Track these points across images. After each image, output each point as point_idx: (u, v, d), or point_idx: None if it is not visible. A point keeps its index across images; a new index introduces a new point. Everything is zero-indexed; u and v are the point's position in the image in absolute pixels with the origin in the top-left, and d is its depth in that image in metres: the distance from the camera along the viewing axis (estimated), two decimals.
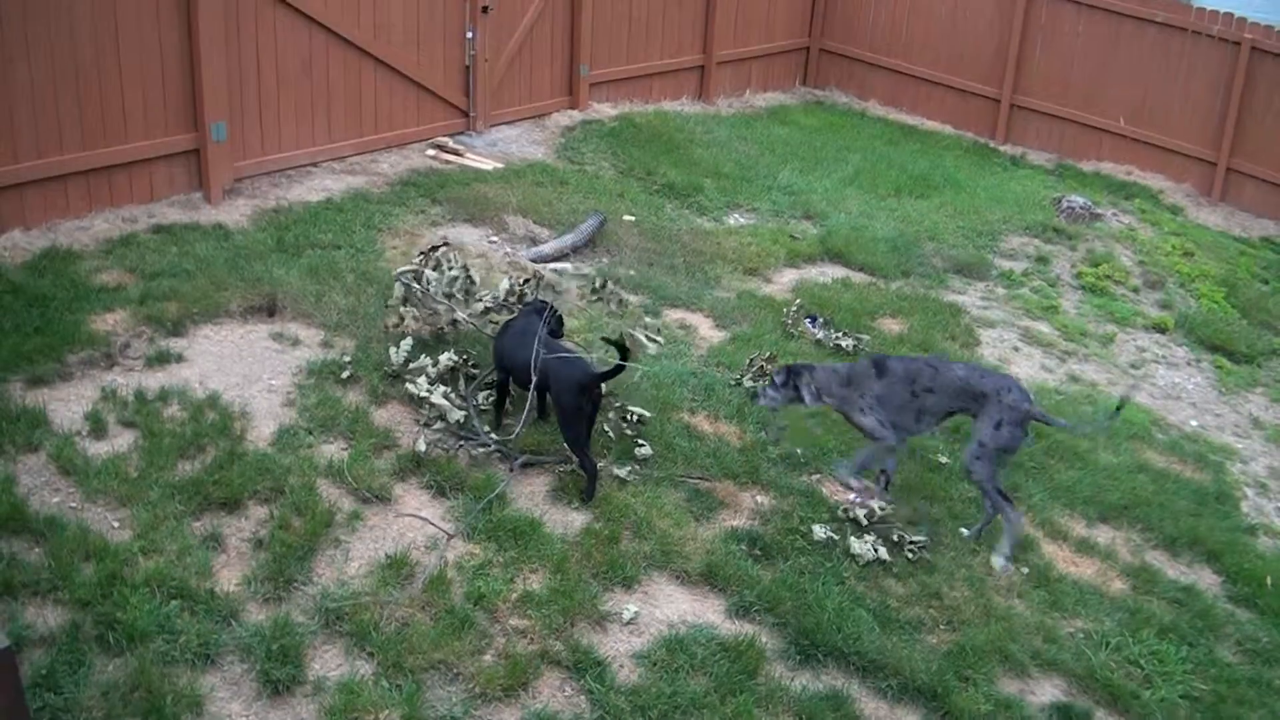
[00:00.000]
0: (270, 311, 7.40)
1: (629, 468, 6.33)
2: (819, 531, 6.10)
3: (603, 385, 6.16)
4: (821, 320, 8.50)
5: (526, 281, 7.05)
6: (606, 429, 6.52)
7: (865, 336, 8.40)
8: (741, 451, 6.69)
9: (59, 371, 6.41)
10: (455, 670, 4.90)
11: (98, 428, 5.99)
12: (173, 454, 5.84)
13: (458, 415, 6.25)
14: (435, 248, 7.11)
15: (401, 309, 7.01)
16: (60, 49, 7.77)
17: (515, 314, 6.64)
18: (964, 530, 6.45)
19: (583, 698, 4.92)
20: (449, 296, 6.95)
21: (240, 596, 5.10)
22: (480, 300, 6.98)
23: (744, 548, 5.96)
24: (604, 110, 12.23)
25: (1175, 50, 12.78)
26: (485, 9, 10.65)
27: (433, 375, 6.52)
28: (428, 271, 6.95)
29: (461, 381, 6.63)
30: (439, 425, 6.27)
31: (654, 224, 9.84)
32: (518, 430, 6.21)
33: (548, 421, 6.56)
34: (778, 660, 5.34)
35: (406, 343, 6.75)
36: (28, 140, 7.78)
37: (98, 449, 5.85)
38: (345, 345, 7.05)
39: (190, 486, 5.63)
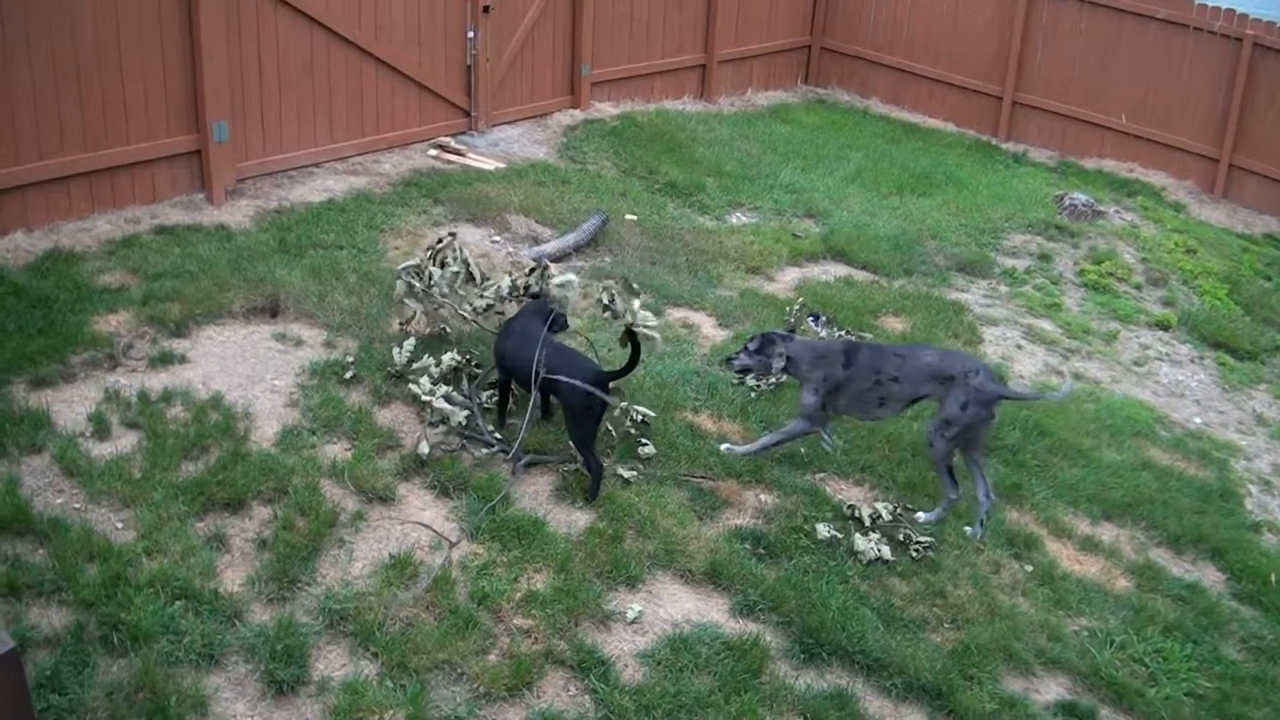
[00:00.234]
0: (273, 312, 7.40)
1: (633, 469, 6.32)
2: (823, 530, 6.10)
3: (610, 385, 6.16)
4: (824, 319, 8.50)
5: (531, 272, 7.03)
6: (609, 427, 6.51)
7: (868, 335, 8.39)
8: (746, 454, 6.68)
9: (62, 373, 6.41)
10: (459, 670, 4.91)
11: (101, 429, 5.99)
12: (176, 455, 5.84)
13: (460, 419, 6.24)
14: (441, 240, 7.09)
15: (405, 301, 6.98)
16: (62, 50, 7.77)
17: (517, 312, 6.60)
18: (966, 528, 6.45)
19: (587, 697, 4.92)
20: (451, 293, 6.94)
21: (244, 597, 5.10)
22: (483, 296, 6.97)
23: (748, 547, 5.96)
24: (606, 109, 12.22)
25: (1177, 47, 12.77)
26: (486, 8, 10.64)
27: (436, 375, 6.52)
28: (431, 267, 6.94)
29: (465, 381, 6.63)
30: (442, 428, 6.27)
31: (656, 223, 9.84)
32: (521, 434, 6.20)
33: (551, 421, 6.56)
34: (782, 659, 5.33)
35: (410, 343, 6.75)
36: (29, 141, 7.79)
37: (101, 450, 5.85)
38: (348, 345, 7.05)
39: (194, 487, 5.63)
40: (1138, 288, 10.58)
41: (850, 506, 6.31)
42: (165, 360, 6.69)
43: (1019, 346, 9.05)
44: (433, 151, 10.42)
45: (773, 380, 7.17)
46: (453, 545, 5.52)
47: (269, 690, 4.69)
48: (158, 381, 6.47)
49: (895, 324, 8.81)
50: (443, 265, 6.98)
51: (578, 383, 5.92)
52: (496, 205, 9.39)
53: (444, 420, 6.25)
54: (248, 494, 5.66)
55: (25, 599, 4.89)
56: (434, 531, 5.63)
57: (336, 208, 8.96)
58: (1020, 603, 6.03)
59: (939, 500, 6.52)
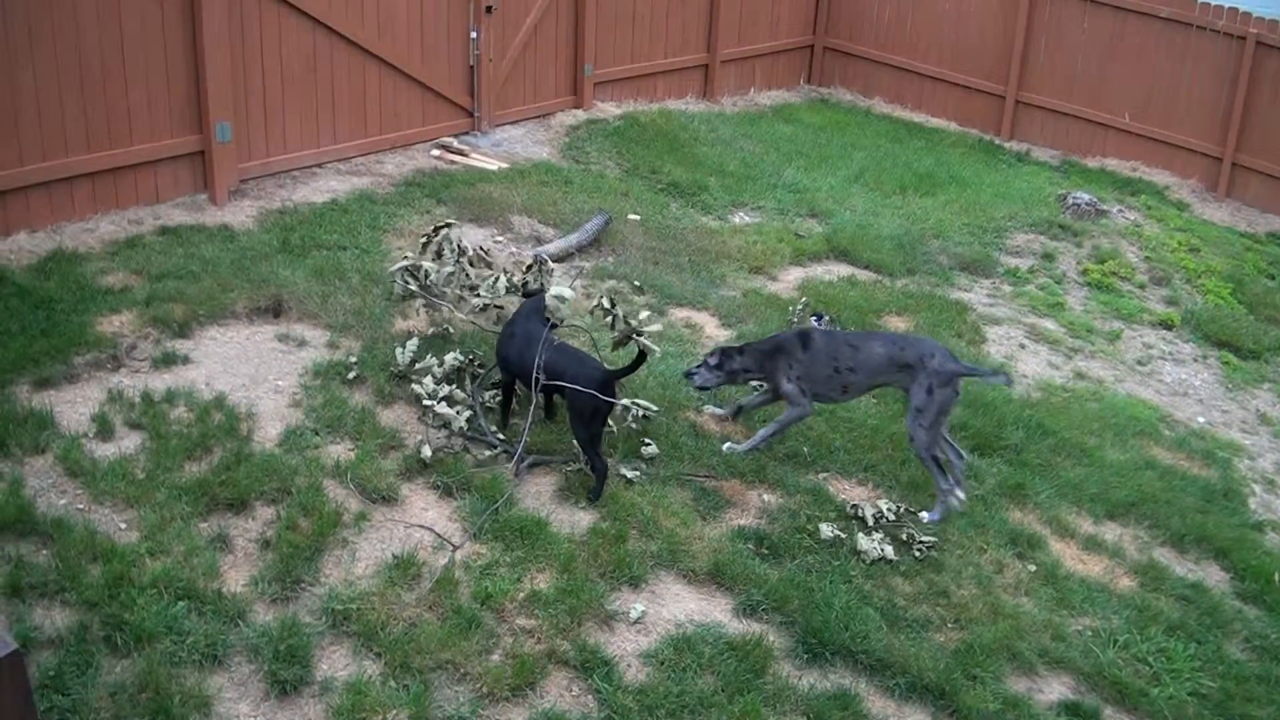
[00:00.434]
0: (276, 312, 7.40)
1: (636, 469, 6.32)
2: (826, 530, 6.10)
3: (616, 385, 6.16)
4: (827, 318, 8.49)
5: (529, 269, 7.02)
6: (610, 425, 6.50)
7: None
8: (748, 450, 6.68)
9: (65, 373, 6.42)
10: (463, 670, 4.91)
11: (104, 429, 6.00)
12: (179, 455, 5.85)
13: (461, 424, 6.24)
14: (438, 229, 7.06)
15: (405, 299, 6.97)
16: (65, 50, 7.78)
17: (516, 313, 6.57)
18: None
19: (590, 697, 4.92)
20: (449, 291, 6.94)
21: (247, 597, 5.11)
22: (480, 295, 6.96)
23: (751, 546, 5.96)
24: (608, 109, 12.22)
25: (1180, 46, 12.76)
26: (489, 9, 10.64)
27: (438, 375, 6.52)
28: (426, 264, 6.92)
29: (467, 381, 6.63)
30: (444, 433, 6.26)
31: (659, 223, 9.84)
32: (524, 438, 6.19)
33: (554, 421, 6.56)
34: (785, 659, 5.33)
35: (412, 343, 6.75)
36: (33, 143, 7.80)
37: (105, 450, 5.86)
38: (351, 346, 7.05)
39: (197, 487, 5.64)
40: (1141, 287, 10.57)
41: (854, 506, 6.31)
42: (168, 361, 6.70)
43: (1022, 346, 9.04)
44: (435, 152, 10.43)
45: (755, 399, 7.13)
46: (456, 549, 5.52)
47: (272, 690, 4.70)
48: (161, 382, 6.48)
49: (898, 323, 8.81)
50: (438, 256, 6.96)
51: (582, 390, 5.92)
52: (499, 205, 9.39)
53: (445, 425, 6.25)
54: (251, 494, 5.66)
55: (29, 599, 4.90)
56: (437, 534, 5.63)
57: (339, 208, 8.96)
58: (1023, 602, 6.02)
59: (931, 494, 6.54)
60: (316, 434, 6.22)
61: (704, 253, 9.41)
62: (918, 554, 6.11)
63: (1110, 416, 8.13)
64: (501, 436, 6.35)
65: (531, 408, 6.22)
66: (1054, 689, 5.56)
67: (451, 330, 7.17)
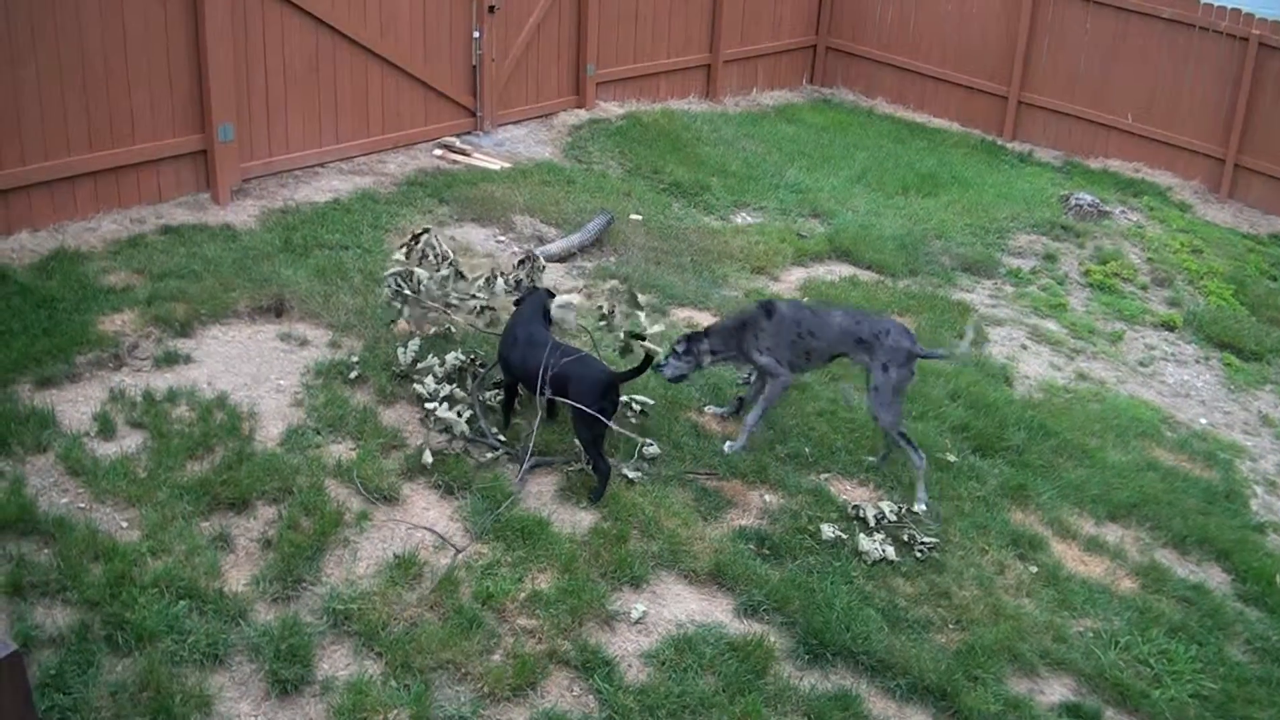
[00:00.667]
0: (278, 312, 7.40)
1: (638, 469, 6.32)
2: (827, 530, 6.10)
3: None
4: None
5: (520, 264, 7.00)
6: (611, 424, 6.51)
7: None
8: (749, 450, 6.68)
9: (67, 373, 6.42)
10: (463, 670, 4.91)
11: (106, 428, 6.00)
12: (181, 454, 5.85)
13: (463, 428, 6.23)
14: (417, 236, 7.04)
15: (394, 304, 6.96)
16: (68, 50, 7.79)
17: (517, 315, 6.55)
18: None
19: (591, 697, 4.92)
20: (446, 301, 6.93)
21: (249, 596, 5.11)
22: (475, 297, 6.95)
23: (752, 547, 5.96)
24: (611, 109, 12.22)
25: (1183, 46, 12.75)
26: (492, 9, 10.64)
27: (440, 375, 6.52)
28: (417, 270, 6.91)
29: (468, 380, 6.63)
30: (445, 436, 6.26)
31: (661, 223, 9.84)
32: (530, 445, 6.19)
33: (555, 421, 6.55)
34: (786, 659, 5.33)
35: (414, 342, 6.75)
36: (35, 142, 7.80)
37: (106, 450, 5.86)
38: (353, 345, 7.05)
39: (199, 487, 5.64)
40: (1143, 288, 10.57)
41: (855, 507, 6.31)
42: (170, 360, 6.70)
43: (1024, 347, 9.04)
44: (438, 151, 10.43)
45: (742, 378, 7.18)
46: (459, 551, 5.51)
47: (273, 690, 4.70)
48: (163, 381, 6.48)
49: None
50: (423, 258, 6.94)
51: (587, 390, 5.92)
52: (502, 205, 9.39)
53: (447, 429, 6.25)
54: (252, 494, 5.67)
55: (30, 598, 4.90)
56: (439, 535, 5.63)
57: (342, 208, 8.97)
58: (1025, 603, 6.02)
59: (933, 494, 6.55)
60: (318, 433, 6.22)
61: (706, 253, 9.41)
62: (919, 555, 6.11)
63: (1112, 418, 8.13)
64: (503, 438, 6.35)
65: (537, 420, 6.21)
66: (1055, 690, 5.55)
67: (453, 330, 7.17)
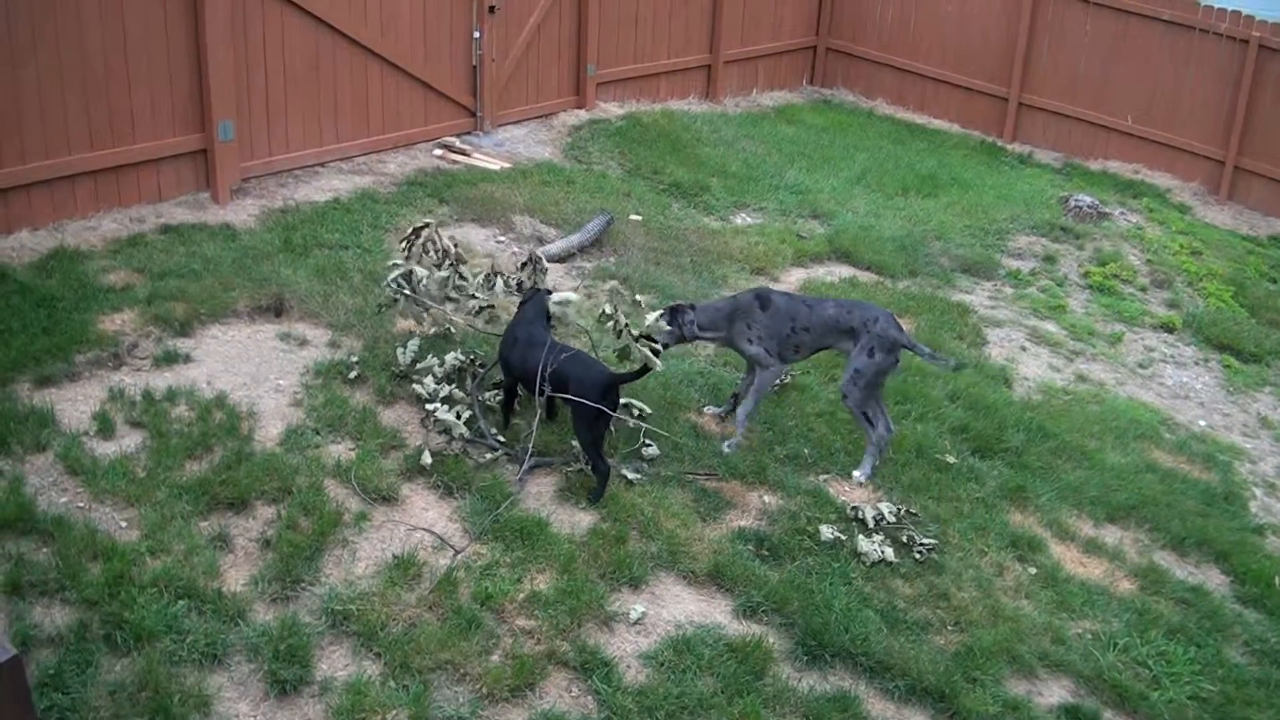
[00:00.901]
0: (277, 312, 7.40)
1: (637, 470, 6.32)
2: (826, 532, 6.10)
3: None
4: None
5: (523, 267, 7.00)
6: (611, 428, 6.51)
7: None
8: (748, 451, 6.68)
9: (67, 372, 6.42)
10: (462, 670, 4.91)
11: (105, 428, 6.00)
12: (180, 454, 5.85)
13: (462, 430, 6.23)
14: (417, 231, 7.03)
15: (393, 298, 6.95)
16: (68, 49, 7.79)
17: (518, 316, 6.55)
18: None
19: (590, 698, 4.92)
20: (445, 299, 6.92)
21: (247, 596, 5.11)
22: (475, 298, 6.95)
23: (751, 548, 5.96)
24: (611, 110, 12.22)
25: (1183, 48, 12.75)
26: (492, 9, 10.64)
27: (439, 375, 6.52)
28: (416, 268, 6.90)
29: (468, 380, 6.62)
30: (444, 438, 6.25)
31: (661, 223, 9.84)
32: (530, 447, 6.19)
33: (555, 421, 6.55)
34: (785, 661, 5.33)
35: (413, 343, 6.75)
36: (35, 141, 7.80)
37: (105, 449, 5.86)
38: (352, 345, 7.05)
39: (198, 486, 5.64)
40: (1143, 290, 10.57)
41: (854, 508, 6.31)
42: (170, 359, 6.70)
43: (1023, 348, 9.04)
44: (438, 151, 10.43)
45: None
46: (458, 553, 5.51)
47: (272, 690, 4.70)
48: (162, 381, 6.48)
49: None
50: (424, 253, 6.93)
51: (588, 392, 5.92)
52: (501, 205, 9.39)
53: (446, 431, 6.24)
54: (251, 494, 5.66)
55: (29, 598, 4.90)
56: (438, 536, 5.63)
57: (341, 207, 8.97)
58: (1024, 605, 6.02)
59: (932, 496, 6.57)
60: (317, 433, 6.22)
61: (706, 253, 9.41)
62: (918, 556, 6.11)
63: (1111, 419, 8.13)
64: (502, 439, 6.35)
65: (536, 420, 6.21)
66: (1054, 692, 5.55)
67: (453, 330, 7.17)
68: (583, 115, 11.95)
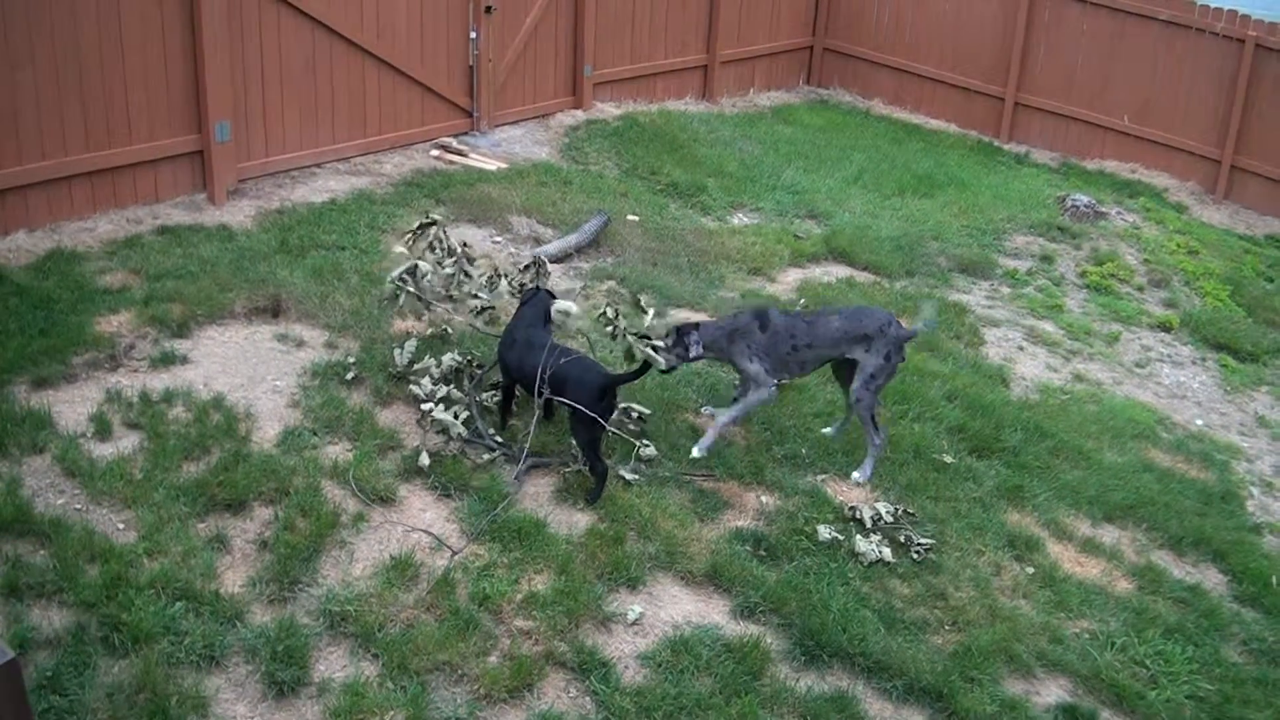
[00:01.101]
0: (274, 313, 7.40)
1: (635, 470, 6.32)
2: (824, 532, 6.10)
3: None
4: None
5: (527, 269, 7.01)
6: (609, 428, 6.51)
7: None
8: (746, 451, 6.69)
9: (64, 373, 6.41)
10: (460, 671, 4.91)
11: (102, 429, 6.00)
12: (177, 455, 5.85)
13: (460, 430, 6.23)
14: (423, 226, 7.03)
15: (395, 301, 6.94)
16: (64, 50, 7.78)
17: (517, 317, 6.55)
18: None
19: (588, 699, 4.92)
20: (449, 298, 6.92)
21: (245, 598, 5.11)
22: (477, 297, 6.95)
23: (749, 548, 5.96)
24: (608, 110, 12.22)
25: (1179, 48, 12.76)
26: (489, 9, 10.64)
27: (436, 376, 6.52)
28: (421, 264, 6.89)
29: (465, 381, 6.62)
30: (441, 438, 6.25)
31: (658, 224, 9.84)
32: (526, 447, 6.19)
33: (552, 422, 6.55)
34: (783, 661, 5.33)
35: (411, 343, 6.75)
36: (32, 142, 7.80)
37: (102, 451, 5.86)
38: (349, 346, 7.05)
39: (195, 488, 5.63)
40: (1139, 289, 10.58)
41: (851, 508, 6.31)
42: (167, 361, 6.70)
43: (1020, 348, 9.04)
44: (435, 152, 10.42)
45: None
46: (455, 554, 5.51)
47: (269, 691, 4.70)
48: (159, 382, 6.48)
49: None
50: (431, 249, 6.93)
51: (585, 394, 5.92)
52: (498, 206, 9.39)
53: (444, 431, 6.24)
54: (249, 495, 5.66)
55: (26, 599, 4.89)
56: (435, 537, 5.63)
57: (338, 208, 8.96)
58: (1021, 605, 6.02)
59: (929, 495, 6.56)
60: (314, 434, 6.22)
61: (703, 253, 9.41)
62: (915, 556, 6.11)
63: (1108, 419, 8.14)
64: (500, 439, 6.35)
65: (533, 420, 6.21)
66: (1051, 691, 5.56)
67: (450, 331, 7.17)
68: (579, 115, 11.95)
